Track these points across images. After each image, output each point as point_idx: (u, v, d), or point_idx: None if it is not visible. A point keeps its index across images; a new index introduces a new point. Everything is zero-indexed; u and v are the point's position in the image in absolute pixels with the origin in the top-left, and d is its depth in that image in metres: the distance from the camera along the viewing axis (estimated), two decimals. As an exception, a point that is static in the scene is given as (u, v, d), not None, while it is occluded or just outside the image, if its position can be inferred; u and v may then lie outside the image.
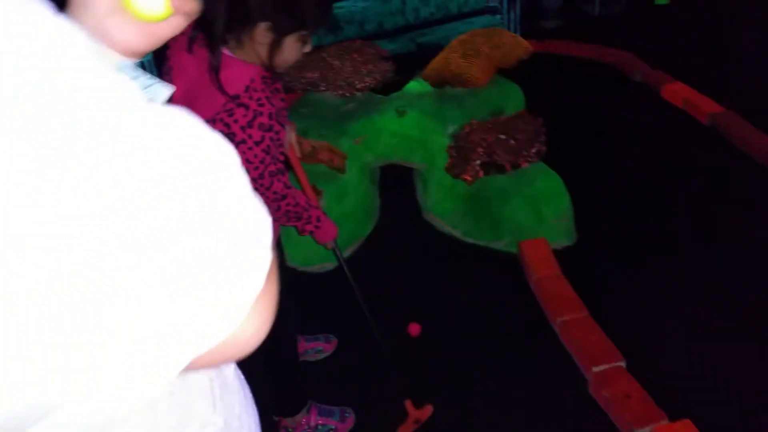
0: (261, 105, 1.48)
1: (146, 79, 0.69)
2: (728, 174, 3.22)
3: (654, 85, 4.04)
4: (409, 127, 3.24)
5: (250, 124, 1.47)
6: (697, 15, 4.93)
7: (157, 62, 3.84)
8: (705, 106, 3.66)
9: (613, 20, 5.36)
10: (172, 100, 1.64)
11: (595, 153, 3.45)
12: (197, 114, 1.53)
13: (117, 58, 0.64)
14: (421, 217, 3.20)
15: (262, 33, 1.46)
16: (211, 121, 1.49)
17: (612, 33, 4.98)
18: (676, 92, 3.87)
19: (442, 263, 2.93)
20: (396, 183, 3.32)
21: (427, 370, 2.35)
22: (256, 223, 0.39)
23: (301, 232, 1.84)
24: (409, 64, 3.85)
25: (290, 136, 1.94)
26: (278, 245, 2.00)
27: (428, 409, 2.20)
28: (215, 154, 0.38)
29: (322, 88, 3.42)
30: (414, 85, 3.58)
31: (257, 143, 1.49)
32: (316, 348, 2.47)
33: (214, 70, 1.46)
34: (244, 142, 1.48)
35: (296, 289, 2.60)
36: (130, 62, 0.67)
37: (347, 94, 3.43)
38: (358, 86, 3.43)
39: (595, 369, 2.20)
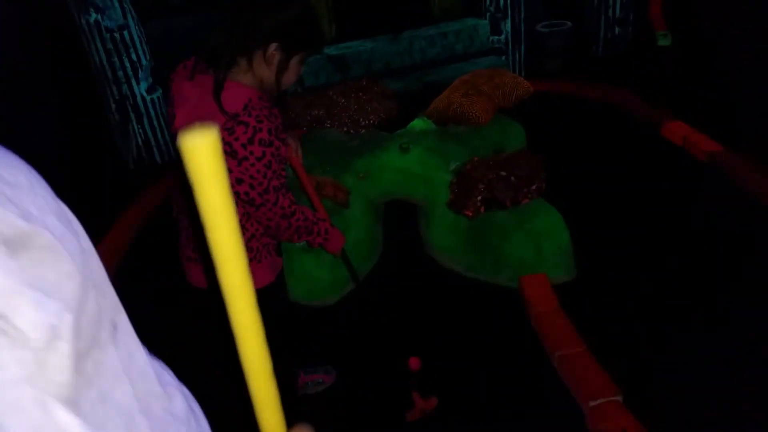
0: (260, 122, 1.55)
1: None
2: (726, 211, 3.26)
3: (654, 124, 4.10)
4: (412, 164, 3.30)
5: (250, 141, 1.53)
6: (698, 56, 5.01)
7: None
8: (704, 145, 3.71)
9: (617, 60, 5.46)
10: (174, 127, 1.72)
11: (595, 190, 3.49)
12: None
13: None
14: (424, 252, 3.25)
15: (271, 53, 1.57)
16: None
17: (615, 73, 5.07)
18: (676, 131, 3.93)
19: (444, 297, 2.96)
20: (399, 218, 3.38)
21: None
22: None
23: (311, 244, 1.89)
24: (414, 103, 3.93)
25: (294, 145, 2.00)
26: (280, 280, 2.05)
27: (433, 401, 2.32)
28: None
29: (327, 125, 3.50)
30: (418, 123, 3.65)
31: (259, 159, 1.55)
32: (316, 380, 2.50)
33: (217, 91, 1.55)
34: (246, 159, 1.55)
35: (298, 324, 2.64)
36: None
37: (352, 131, 3.50)
38: (363, 123, 3.51)
39: (592, 403, 2.22)
